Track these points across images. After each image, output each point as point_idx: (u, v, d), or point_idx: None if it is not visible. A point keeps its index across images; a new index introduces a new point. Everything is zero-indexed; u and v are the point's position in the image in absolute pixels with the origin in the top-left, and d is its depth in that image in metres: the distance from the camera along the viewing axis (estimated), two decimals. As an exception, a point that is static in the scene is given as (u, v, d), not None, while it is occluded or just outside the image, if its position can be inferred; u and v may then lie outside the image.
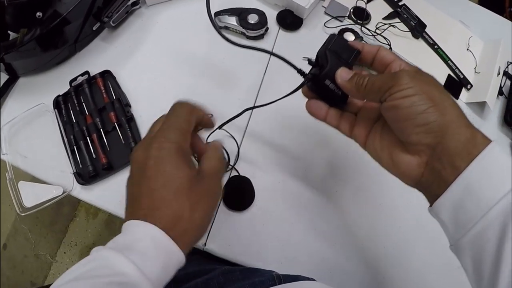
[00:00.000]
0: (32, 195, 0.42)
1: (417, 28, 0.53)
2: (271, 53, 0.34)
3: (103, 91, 0.45)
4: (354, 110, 0.33)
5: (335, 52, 0.30)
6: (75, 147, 0.43)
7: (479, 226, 0.23)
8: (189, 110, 0.29)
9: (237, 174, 0.43)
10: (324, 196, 0.44)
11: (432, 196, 0.27)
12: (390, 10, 0.56)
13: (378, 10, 0.55)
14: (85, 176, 0.41)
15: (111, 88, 0.46)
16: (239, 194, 0.42)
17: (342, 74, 0.29)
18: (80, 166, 0.42)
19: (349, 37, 0.49)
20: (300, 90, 0.33)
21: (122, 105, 0.44)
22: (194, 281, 0.37)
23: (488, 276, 0.23)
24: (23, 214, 0.42)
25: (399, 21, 0.54)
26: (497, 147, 0.25)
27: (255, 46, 0.35)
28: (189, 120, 0.29)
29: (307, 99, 0.33)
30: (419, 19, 0.54)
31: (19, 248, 0.97)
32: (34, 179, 0.43)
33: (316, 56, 0.31)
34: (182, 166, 0.27)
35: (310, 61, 0.32)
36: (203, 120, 0.31)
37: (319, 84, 0.30)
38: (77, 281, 0.23)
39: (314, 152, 0.46)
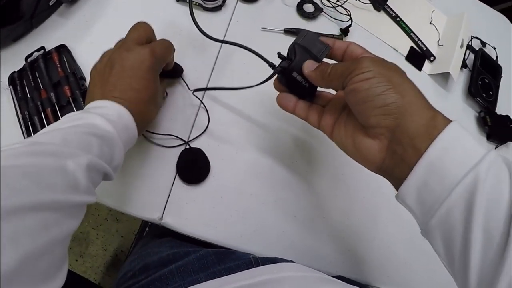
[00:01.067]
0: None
1: (379, 1, 0.54)
2: (239, 45, 0.36)
3: (58, 65, 0.44)
4: (323, 103, 0.34)
5: (305, 47, 0.32)
6: (29, 123, 0.42)
7: (445, 205, 0.23)
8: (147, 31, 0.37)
9: (184, 143, 0.42)
10: (283, 166, 0.44)
11: (397, 181, 0.26)
12: (352, -17, 0.56)
13: (341, -17, 0.55)
14: (39, 152, 0.40)
15: (66, 62, 0.45)
16: (194, 166, 0.41)
17: (308, 65, 0.31)
18: (34, 141, 0.41)
19: (309, 9, 0.49)
20: (271, 83, 0.35)
21: (77, 79, 0.43)
22: (169, 268, 0.36)
23: (459, 255, 0.23)
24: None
25: (361, -7, 0.54)
26: (458, 126, 0.24)
27: (230, 41, 0.38)
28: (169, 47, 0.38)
29: (278, 93, 0.34)
30: (380, -8, 0.55)
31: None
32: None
33: (287, 50, 0.33)
34: (154, 77, 0.34)
35: (279, 55, 0.33)
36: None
37: (288, 76, 0.32)
38: (59, 129, 0.27)
39: (272, 122, 0.45)
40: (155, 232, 0.55)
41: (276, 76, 0.33)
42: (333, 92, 0.35)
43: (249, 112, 0.45)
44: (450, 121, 0.25)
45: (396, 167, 0.26)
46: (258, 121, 0.45)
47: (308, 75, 0.31)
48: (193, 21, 0.37)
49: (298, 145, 0.45)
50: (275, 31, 0.48)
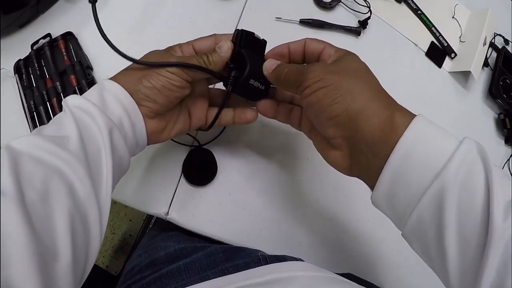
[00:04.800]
0: (-9, 163, 0.41)
1: (400, -8, 0.51)
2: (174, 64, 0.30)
3: (65, 54, 0.43)
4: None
5: (248, 48, 0.30)
6: (35, 113, 0.41)
7: (415, 214, 0.22)
8: None
9: (198, 145, 0.40)
10: (294, 165, 0.42)
11: (371, 186, 0.26)
12: (372, -27, 0.53)
13: (360, -27, 0.52)
14: (44, 142, 0.39)
15: (72, 50, 0.43)
16: (201, 169, 0.39)
17: (268, 65, 0.30)
18: (40, 132, 0.40)
19: (327, -1, 0.47)
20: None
21: (83, 68, 0.42)
22: (176, 264, 0.35)
23: (437, 260, 0.23)
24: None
25: (381, -16, 0.51)
26: (420, 125, 0.22)
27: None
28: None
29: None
30: (402, -18, 0.52)
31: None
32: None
33: (233, 57, 0.30)
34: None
35: (228, 65, 0.30)
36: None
37: (244, 85, 0.30)
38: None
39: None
40: (162, 224, 0.54)
41: (230, 88, 0.30)
42: None
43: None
44: (411, 118, 0.23)
45: (365, 175, 0.26)
46: (268, 119, 0.43)
47: (268, 77, 0.30)
48: (104, 38, 0.30)
49: (310, 144, 0.43)
50: (291, 21, 0.46)
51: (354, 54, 0.28)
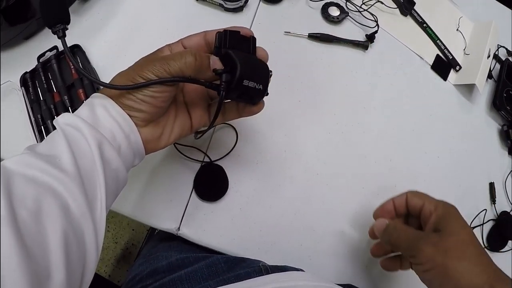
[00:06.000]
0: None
1: (406, 5, 0.51)
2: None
3: (72, 67, 0.43)
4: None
5: (236, 49, 0.28)
6: (42, 126, 0.40)
7: None
8: None
9: (209, 161, 0.40)
10: (304, 179, 0.42)
11: None
12: (378, -14, 0.53)
13: (366, -14, 0.53)
14: (52, 157, 0.39)
15: (80, 63, 0.43)
16: (212, 185, 0.39)
17: (377, 225, 0.34)
18: (47, 146, 0.40)
19: (334, 12, 0.47)
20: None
21: (91, 82, 0.42)
22: (178, 273, 0.35)
23: None
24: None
25: (387, -3, 0.51)
26: None
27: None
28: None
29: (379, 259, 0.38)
30: (408, -4, 0.52)
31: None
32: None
33: (221, 60, 0.28)
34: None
35: (215, 71, 0.27)
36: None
37: (238, 88, 0.27)
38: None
39: (293, 134, 0.44)
40: (164, 233, 0.54)
41: (223, 94, 0.27)
42: None
43: (269, 123, 0.44)
44: None
45: None
46: (279, 134, 0.43)
47: (379, 237, 0.34)
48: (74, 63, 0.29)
49: (319, 158, 0.44)
50: (299, 35, 0.46)
51: (454, 212, 0.32)
